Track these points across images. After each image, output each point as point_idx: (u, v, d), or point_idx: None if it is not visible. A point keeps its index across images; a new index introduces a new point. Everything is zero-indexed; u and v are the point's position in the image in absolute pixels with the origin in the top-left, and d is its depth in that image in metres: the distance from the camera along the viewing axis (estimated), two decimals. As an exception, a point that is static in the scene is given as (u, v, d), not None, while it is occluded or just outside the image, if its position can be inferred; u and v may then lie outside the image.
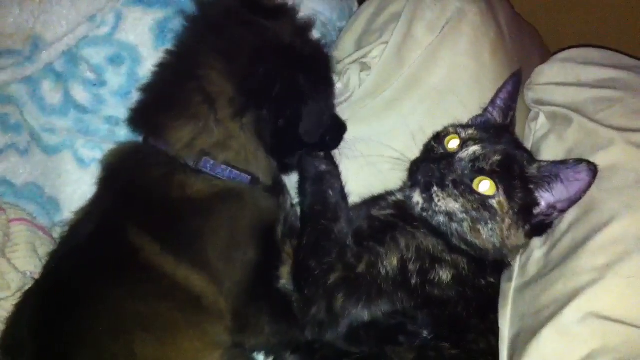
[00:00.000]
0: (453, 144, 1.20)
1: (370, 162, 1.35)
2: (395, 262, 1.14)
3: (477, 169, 1.12)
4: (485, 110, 1.29)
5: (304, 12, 1.52)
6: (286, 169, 1.34)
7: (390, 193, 1.29)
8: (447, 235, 1.15)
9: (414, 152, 1.29)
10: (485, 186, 1.11)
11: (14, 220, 1.26)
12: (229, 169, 1.19)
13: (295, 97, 1.16)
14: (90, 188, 1.35)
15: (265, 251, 1.18)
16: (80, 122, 1.34)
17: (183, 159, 1.16)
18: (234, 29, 1.19)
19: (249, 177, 1.21)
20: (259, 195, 1.23)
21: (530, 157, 1.20)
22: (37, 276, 1.23)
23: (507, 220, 1.11)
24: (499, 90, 1.28)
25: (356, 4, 1.76)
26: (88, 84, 1.32)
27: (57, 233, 1.37)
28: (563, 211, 1.14)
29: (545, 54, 1.67)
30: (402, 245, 1.15)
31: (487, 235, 1.12)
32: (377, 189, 1.34)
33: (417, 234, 1.16)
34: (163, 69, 1.23)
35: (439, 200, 1.13)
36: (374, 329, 1.11)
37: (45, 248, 1.28)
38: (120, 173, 1.21)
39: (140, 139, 1.24)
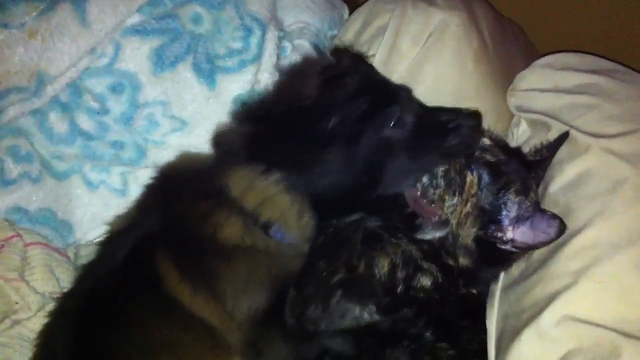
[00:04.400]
0: None
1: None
2: (386, 266, 1.18)
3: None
4: None
5: (293, 24, 1.60)
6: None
7: None
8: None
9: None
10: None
11: (30, 244, 1.33)
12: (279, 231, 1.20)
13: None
14: (99, 209, 1.45)
15: (277, 301, 1.17)
16: (87, 148, 1.41)
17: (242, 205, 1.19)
18: None
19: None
20: (286, 251, 1.22)
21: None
22: (55, 296, 1.30)
23: (469, 206, 1.18)
24: None
25: (347, 12, 1.80)
26: (92, 113, 1.38)
27: (71, 253, 1.45)
28: (517, 249, 1.19)
29: (531, 54, 1.71)
30: (390, 252, 1.20)
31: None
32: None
33: (401, 243, 1.21)
34: None
35: None
36: (379, 336, 1.16)
37: (61, 268, 1.36)
38: (173, 192, 1.25)
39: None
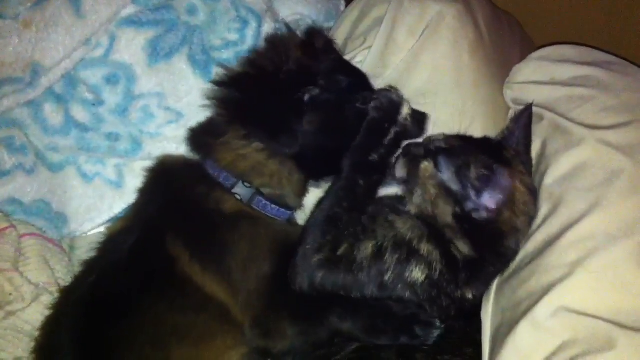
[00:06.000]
0: None
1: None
2: (370, 248, 1.18)
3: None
4: None
5: (289, 16, 1.60)
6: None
7: None
8: None
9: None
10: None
11: (24, 235, 1.33)
12: (269, 204, 1.26)
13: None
14: (95, 201, 1.45)
15: (281, 267, 1.20)
16: (82, 140, 1.40)
17: (221, 180, 1.25)
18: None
19: (288, 213, 1.29)
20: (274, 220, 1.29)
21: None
22: (50, 287, 1.30)
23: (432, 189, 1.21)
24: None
25: (343, 3, 1.80)
26: (87, 104, 1.38)
27: (66, 244, 1.45)
28: (491, 212, 1.18)
29: (527, 47, 1.70)
30: (379, 234, 1.20)
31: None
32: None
33: (397, 223, 1.21)
34: None
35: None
36: (391, 320, 1.16)
37: (56, 259, 1.36)
38: (168, 183, 1.29)
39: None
